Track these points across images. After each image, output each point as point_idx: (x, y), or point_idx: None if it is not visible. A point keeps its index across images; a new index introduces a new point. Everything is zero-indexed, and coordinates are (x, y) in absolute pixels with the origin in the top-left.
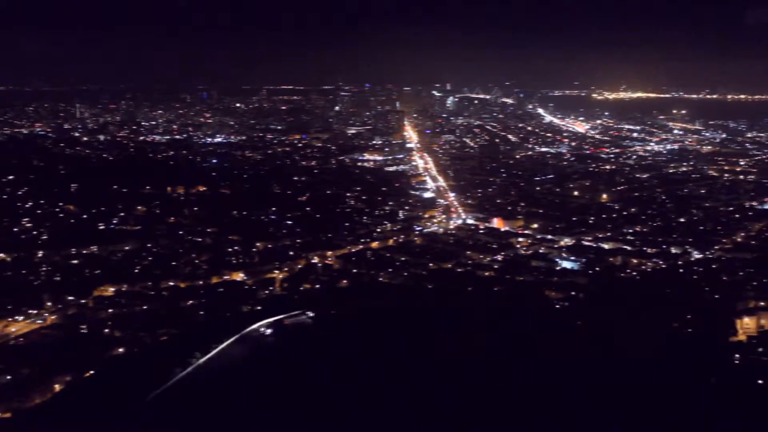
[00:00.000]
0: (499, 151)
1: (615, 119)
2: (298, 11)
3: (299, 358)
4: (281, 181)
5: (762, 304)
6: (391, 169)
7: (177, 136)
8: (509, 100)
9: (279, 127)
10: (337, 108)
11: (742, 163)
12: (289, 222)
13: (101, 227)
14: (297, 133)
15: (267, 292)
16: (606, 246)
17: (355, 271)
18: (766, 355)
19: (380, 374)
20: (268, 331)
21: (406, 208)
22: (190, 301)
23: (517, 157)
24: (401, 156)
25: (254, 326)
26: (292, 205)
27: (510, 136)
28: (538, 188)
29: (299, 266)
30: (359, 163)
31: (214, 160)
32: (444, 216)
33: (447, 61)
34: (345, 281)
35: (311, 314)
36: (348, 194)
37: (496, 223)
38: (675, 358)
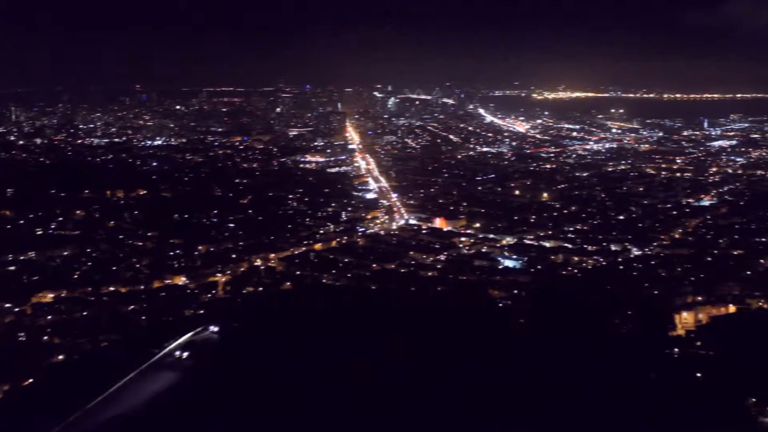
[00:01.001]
0: (440, 151)
1: (555, 119)
2: (236, 12)
3: (215, 380)
4: (223, 183)
5: (699, 298)
6: (333, 170)
7: (116, 139)
8: (450, 101)
9: (220, 130)
10: (278, 110)
11: (678, 160)
12: (231, 225)
13: (39, 232)
14: (238, 135)
15: (209, 295)
16: (547, 244)
17: (298, 273)
18: (705, 349)
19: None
20: (177, 353)
21: (349, 209)
22: (132, 306)
23: (459, 157)
24: (343, 157)
25: (164, 351)
26: (234, 207)
27: (451, 137)
28: (479, 188)
29: (242, 269)
30: (301, 165)
31: (155, 163)
32: (387, 217)
33: (388, 61)
34: (288, 284)
35: (216, 329)
36: (290, 196)
37: (439, 223)
38: (616, 355)
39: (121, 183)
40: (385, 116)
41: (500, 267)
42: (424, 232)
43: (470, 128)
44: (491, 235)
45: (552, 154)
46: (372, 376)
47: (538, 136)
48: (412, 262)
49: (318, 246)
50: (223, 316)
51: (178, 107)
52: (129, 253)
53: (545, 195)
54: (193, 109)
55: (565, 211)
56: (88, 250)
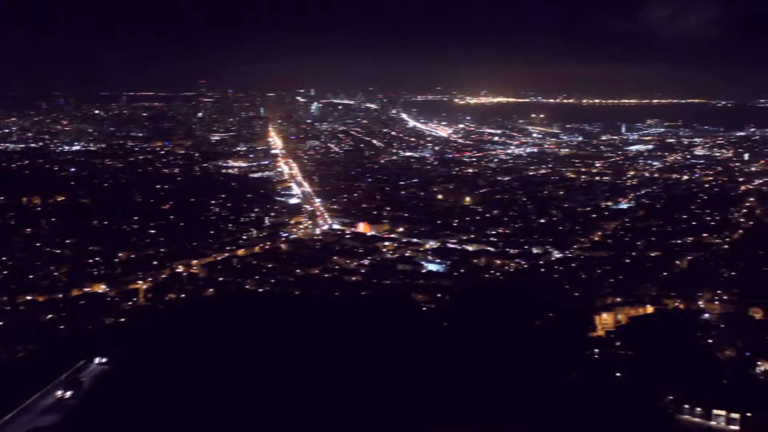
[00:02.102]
0: (363, 156)
1: (477, 123)
2: (158, 15)
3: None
4: (143, 189)
5: (618, 299)
6: (256, 175)
7: (32, 144)
8: (373, 105)
9: (140, 135)
10: (199, 114)
11: (597, 164)
12: (153, 231)
13: None
14: (159, 140)
15: (130, 303)
16: (470, 248)
17: (221, 279)
18: (624, 349)
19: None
20: (58, 393)
21: (272, 214)
22: (50, 316)
23: (382, 161)
24: (266, 162)
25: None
26: (156, 213)
27: (374, 141)
28: (403, 192)
29: (163, 276)
30: (223, 170)
31: (73, 169)
32: (310, 222)
33: (311, 67)
34: (211, 290)
35: (104, 360)
36: (212, 202)
37: (362, 227)
38: (538, 356)
39: (38, 189)
40: (308, 121)
41: (423, 271)
42: (347, 236)
43: (393, 133)
44: (414, 239)
45: (474, 159)
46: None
47: (460, 140)
48: (336, 267)
49: (241, 252)
50: (110, 344)
51: (97, 112)
52: (47, 260)
53: (468, 199)
54: (112, 113)
55: (488, 215)
56: (4, 258)
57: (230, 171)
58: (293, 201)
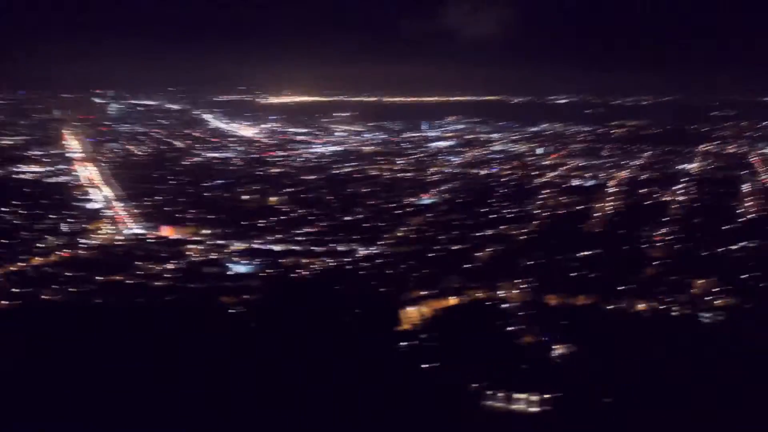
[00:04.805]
0: (166, 158)
1: (281, 123)
2: None
3: None
4: None
5: (423, 293)
6: (51, 180)
7: None
8: (175, 106)
9: None
10: None
11: (400, 161)
12: None
13: None
14: None
15: None
16: (277, 248)
17: (15, 290)
18: (429, 341)
19: None
20: None
21: (70, 220)
22: None
23: (185, 163)
24: (63, 166)
25: None
26: None
27: (177, 143)
28: (207, 194)
29: None
30: (15, 176)
31: None
32: (112, 227)
33: (108, 66)
34: (5, 302)
35: None
36: (4, 209)
37: (166, 231)
38: (345, 353)
39: None
40: (107, 123)
41: (230, 273)
42: (151, 241)
43: (196, 134)
44: (220, 241)
45: (279, 158)
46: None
47: (265, 140)
48: (140, 273)
49: (37, 260)
50: None
51: None
52: None
53: (273, 199)
54: None
55: (294, 215)
56: None
57: (23, 176)
58: (93, 206)
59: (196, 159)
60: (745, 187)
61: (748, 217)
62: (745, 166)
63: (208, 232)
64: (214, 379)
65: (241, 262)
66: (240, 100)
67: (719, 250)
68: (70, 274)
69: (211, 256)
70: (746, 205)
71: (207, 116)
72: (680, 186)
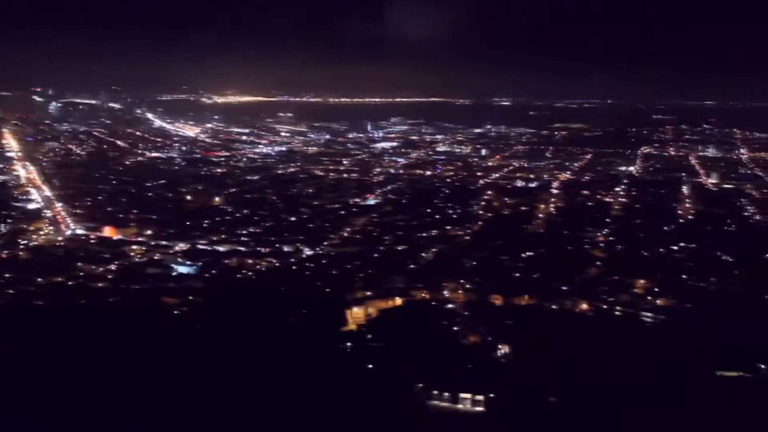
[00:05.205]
0: (108, 157)
1: (225, 123)
2: None
3: None
4: None
5: (369, 293)
6: None
7: None
8: (117, 105)
9: None
10: None
11: (345, 162)
12: None
13: None
14: None
15: None
16: (221, 248)
17: None
18: (375, 341)
19: None
20: None
21: (9, 221)
22: None
23: (127, 163)
24: (1, 165)
25: None
26: None
27: (119, 142)
28: (150, 194)
29: None
30: None
31: None
32: (52, 227)
33: (48, 64)
34: None
35: None
36: None
37: (108, 231)
38: (291, 353)
39: None
40: (47, 122)
41: (174, 274)
42: (92, 241)
43: (138, 133)
44: (164, 242)
45: (223, 158)
46: None
47: (208, 140)
48: (81, 274)
49: None
50: None
51: None
52: None
53: (217, 199)
54: None
55: (238, 215)
56: None
57: None
58: (32, 206)
59: (138, 158)
60: (685, 189)
61: (688, 218)
62: (685, 168)
63: (151, 232)
64: (157, 381)
65: (185, 262)
66: (184, 99)
67: (660, 250)
68: (9, 275)
69: (154, 257)
70: (686, 206)
71: (150, 115)
72: (622, 187)
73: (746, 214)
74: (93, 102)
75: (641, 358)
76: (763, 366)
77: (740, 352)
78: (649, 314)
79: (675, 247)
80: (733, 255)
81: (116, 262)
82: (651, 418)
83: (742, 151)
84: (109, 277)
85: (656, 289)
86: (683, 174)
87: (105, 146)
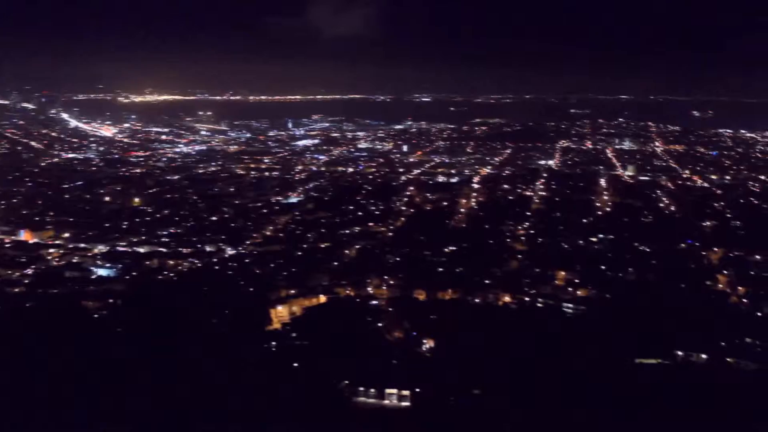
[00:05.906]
0: (22, 159)
1: (143, 122)
2: None
3: None
4: None
5: (292, 292)
6: None
7: None
8: (31, 105)
9: None
10: None
11: (266, 160)
12: None
13: None
14: None
15: None
16: (142, 250)
17: None
18: (299, 339)
19: None
20: None
21: None
22: None
23: (43, 164)
24: None
25: None
26: None
27: (33, 143)
28: (67, 196)
29: None
30: None
31: None
32: None
33: None
34: None
35: None
36: None
37: (24, 235)
38: (215, 353)
39: None
40: None
41: (93, 277)
42: (7, 245)
43: (54, 134)
44: (82, 245)
45: (142, 159)
46: None
47: (126, 140)
48: None
49: None
50: None
51: None
52: None
53: (137, 200)
54: None
55: (158, 215)
56: None
57: None
58: None
59: (54, 160)
60: (603, 182)
61: (606, 210)
62: (601, 161)
63: (69, 235)
64: (78, 385)
65: (105, 265)
66: (100, 98)
67: (579, 242)
68: None
69: (72, 260)
70: (604, 198)
71: (65, 116)
72: (541, 181)
73: (661, 205)
74: (5, 102)
75: (563, 348)
76: (680, 353)
77: (658, 340)
78: (570, 305)
79: (594, 239)
80: (649, 245)
81: (33, 266)
82: (573, 406)
83: (656, 143)
84: (26, 281)
85: (576, 281)
86: (600, 167)
87: (19, 147)
